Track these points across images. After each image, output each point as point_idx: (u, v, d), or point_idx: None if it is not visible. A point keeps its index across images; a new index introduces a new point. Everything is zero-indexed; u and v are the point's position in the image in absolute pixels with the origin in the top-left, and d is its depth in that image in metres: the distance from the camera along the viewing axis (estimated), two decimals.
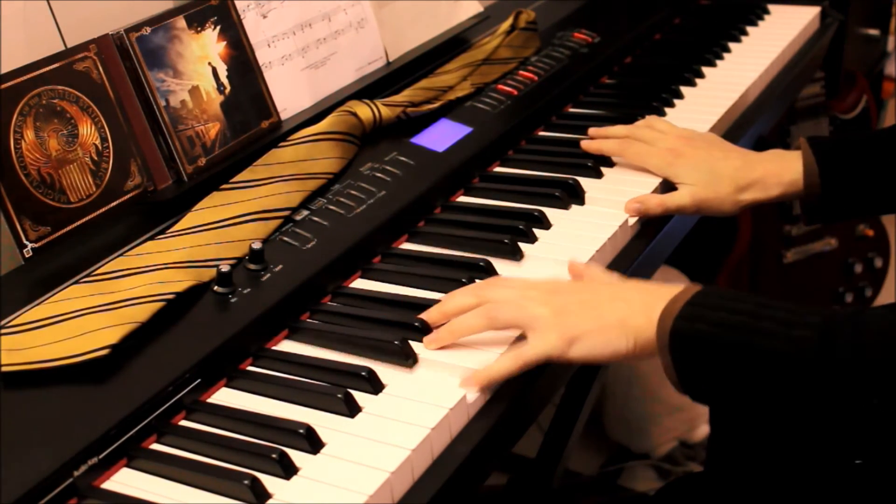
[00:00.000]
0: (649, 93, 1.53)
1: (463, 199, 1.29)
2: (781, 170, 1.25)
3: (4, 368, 0.90)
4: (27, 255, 1.02)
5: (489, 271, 1.10)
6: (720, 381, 0.91)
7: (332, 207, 1.16)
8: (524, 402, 0.97)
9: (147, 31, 1.16)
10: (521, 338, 0.99)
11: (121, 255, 1.06)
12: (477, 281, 1.05)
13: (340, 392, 0.91)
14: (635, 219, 1.22)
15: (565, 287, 1.01)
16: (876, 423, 0.86)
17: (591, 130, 1.36)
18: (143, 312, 0.95)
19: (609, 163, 1.33)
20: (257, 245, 1.05)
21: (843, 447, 1.03)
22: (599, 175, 1.31)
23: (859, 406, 0.85)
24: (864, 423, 0.87)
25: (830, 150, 1.24)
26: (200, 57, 1.20)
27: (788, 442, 1.09)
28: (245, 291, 1.02)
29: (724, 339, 0.89)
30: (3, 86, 1.03)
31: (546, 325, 0.95)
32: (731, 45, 1.72)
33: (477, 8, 1.62)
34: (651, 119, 1.37)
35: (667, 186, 1.28)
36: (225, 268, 1.02)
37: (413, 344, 0.99)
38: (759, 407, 0.92)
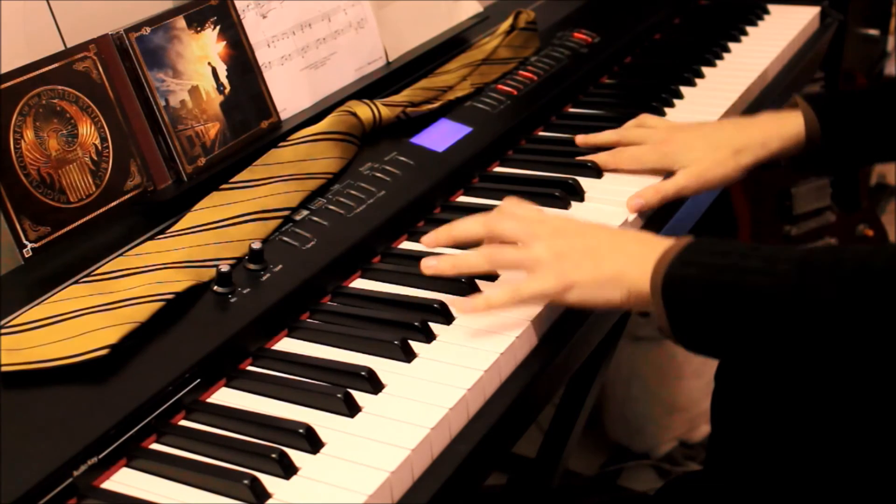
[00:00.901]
0: (649, 93, 1.53)
1: (463, 199, 1.29)
2: (780, 126, 1.27)
3: (4, 368, 0.90)
4: (27, 255, 1.02)
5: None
6: (710, 324, 0.93)
7: (331, 207, 1.16)
8: (524, 402, 0.97)
9: (147, 31, 1.16)
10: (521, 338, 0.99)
11: (120, 255, 1.06)
12: (479, 249, 1.05)
13: (340, 392, 0.92)
14: (634, 216, 1.22)
15: (570, 229, 1.03)
16: (852, 351, 0.87)
17: (578, 139, 1.36)
18: (142, 312, 0.95)
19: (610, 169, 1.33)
20: (257, 245, 1.05)
21: (828, 385, 1.05)
22: (599, 175, 1.31)
23: (836, 333, 0.87)
24: (842, 351, 0.88)
25: (828, 102, 1.27)
26: (200, 57, 1.20)
27: (801, 443, 1.09)
28: (245, 291, 1.02)
29: (713, 280, 0.92)
30: (3, 86, 1.03)
31: (545, 268, 1.00)
32: (731, 45, 1.72)
33: (477, 8, 1.62)
34: (641, 117, 1.38)
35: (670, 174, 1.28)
36: (225, 268, 1.02)
37: (413, 344, 0.99)
38: (747, 346, 0.94)
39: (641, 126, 1.34)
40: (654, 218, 1.25)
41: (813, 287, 0.88)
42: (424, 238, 1.08)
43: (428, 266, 1.04)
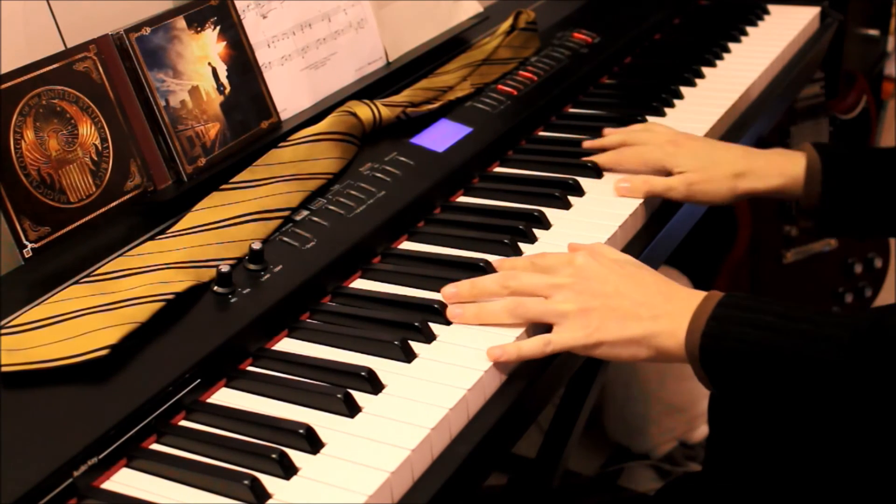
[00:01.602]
0: (649, 93, 1.53)
1: (463, 199, 1.29)
2: (784, 162, 1.26)
3: (4, 368, 0.90)
4: (27, 256, 1.02)
5: (489, 272, 1.10)
6: (753, 388, 0.96)
7: (332, 207, 1.16)
8: (524, 402, 0.97)
9: (147, 31, 1.16)
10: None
11: (121, 255, 1.06)
12: (503, 302, 1.03)
13: (340, 392, 0.92)
14: (632, 212, 1.21)
15: (591, 274, 1.02)
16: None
17: (586, 144, 1.36)
18: (143, 312, 0.95)
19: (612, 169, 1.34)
20: (257, 245, 1.05)
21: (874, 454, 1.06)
22: (599, 175, 1.31)
23: (889, 412, 0.89)
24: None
25: (835, 155, 1.24)
26: (200, 57, 1.20)
27: (800, 442, 1.10)
28: (245, 291, 1.02)
29: (752, 353, 0.93)
30: (3, 86, 1.03)
31: (572, 321, 1.00)
32: (731, 45, 1.72)
33: (477, 8, 1.62)
34: (650, 123, 1.38)
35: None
36: (225, 268, 1.02)
37: (413, 344, 0.99)
38: (792, 410, 0.99)
39: (647, 131, 1.34)
40: (655, 218, 1.25)
41: (858, 370, 0.89)
42: (444, 290, 1.05)
43: (454, 314, 1.03)
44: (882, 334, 0.89)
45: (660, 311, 0.99)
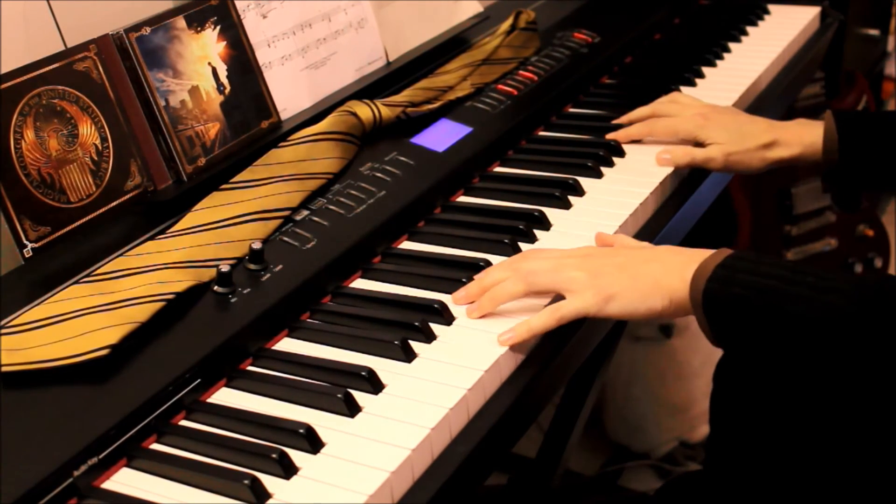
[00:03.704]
0: (649, 93, 1.53)
1: (463, 199, 1.29)
2: (803, 132, 1.33)
3: (4, 368, 0.90)
4: (27, 255, 1.02)
5: None
6: (752, 339, 0.96)
7: (332, 207, 1.16)
8: (524, 401, 0.97)
9: (147, 31, 1.16)
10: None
11: (121, 255, 1.06)
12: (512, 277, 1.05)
13: (340, 392, 0.92)
14: (632, 213, 1.21)
15: (599, 252, 1.06)
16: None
17: (616, 121, 1.41)
18: (143, 312, 0.95)
19: (609, 163, 1.34)
20: (257, 245, 1.05)
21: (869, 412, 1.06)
22: (599, 175, 1.31)
23: (889, 372, 0.89)
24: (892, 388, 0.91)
25: (852, 120, 1.31)
26: (200, 57, 1.20)
27: (800, 442, 1.10)
28: (245, 291, 1.02)
29: (756, 302, 0.94)
30: (3, 86, 1.03)
31: (583, 286, 1.00)
32: (732, 45, 1.72)
33: (477, 8, 1.62)
34: (673, 94, 1.43)
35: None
36: (225, 268, 1.02)
37: (413, 344, 0.99)
38: (790, 365, 0.98)
39: (674, 102, 1.39)
40: (656, 218, 1.25)
41: (862, 325, 0.90)
42: (455, 296, 1.05)
43: (471, 310, 1.03)
44: (888, 290, 0.90)
45: (669, 261, 1.01)
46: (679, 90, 1.54)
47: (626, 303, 1.00)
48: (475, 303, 1.04)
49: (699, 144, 1.33)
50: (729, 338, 0.98)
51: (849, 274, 0.95)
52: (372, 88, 1.39)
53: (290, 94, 1.31)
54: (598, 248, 1.08)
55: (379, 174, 1.22)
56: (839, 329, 0.91)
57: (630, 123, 1.39)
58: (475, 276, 1.07)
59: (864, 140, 1.30)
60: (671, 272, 1.00)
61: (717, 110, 1.37)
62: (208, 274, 1.03)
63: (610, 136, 1.38)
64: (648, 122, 1.38)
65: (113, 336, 0.92)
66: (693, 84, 1.58)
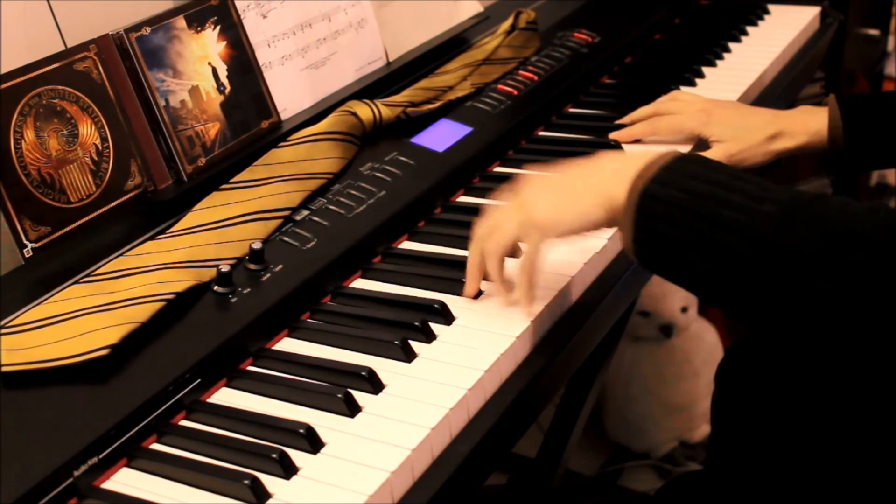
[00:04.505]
0: (649, 93, 1.53)
1: (463, 199, 1.29)
2: (807, 120, 1.31)
3: (4, 368, 0.90)
4: (27, 255, 1.02)
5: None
6: (677, 250, 0.90)
7: (332, 207, 1.16)
8: (524, 401, 0.97)
9: (147, 31, 1.16)
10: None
11: (121, 255, 1.06)
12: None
13: (340, 392, 0.91)
14: None
15: (533, 182, 1.04)
16: (823, 311, 0.84)
17: (619, 121, 1.40)
18: (143, 312, 0.95)
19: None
20: (257, 245, 1.05)
21: (787, 333, 1.04)
22: None
23: (809, 288, 0.84)
24: (812, 309, 0.85)
25: (855, 104, 1.30)
26: (200, 57, 1.20)
27: (800, 443, 1.09)
28: (245, 291, 1.02)
29: (692, 205, 0.89)
30: (3, 86, 1.03)
31: (511, 212, 1.01)
32: (732, 45, 1.72)
33: (477, 8, 1.62)
34: (674, 93, 1.42)
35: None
36: (225, 268, 1.02)
37: (413, 344, 0.99)
38: (711, 280, 0.90)
39: (675, 100, 1.39)
40: None
41: (793, 238, 0.84)
42: (466, 292, 1.07)
43: (468, 292, 1.06)
44: (819, 203, 0.86)
45: (610, 168, 0.97)
46: (679, 90, 1.54)
47: (561, 213, 0.98)
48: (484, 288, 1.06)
49: (703, 141, 1.33)
50: (653, 246, 0.92)
51: (787, 186, 0.89)
52: (372, 88, 1.39)
53: (290, 94, 1.31)
54: (535, 179, 1.05)
55: (379, 174, 1.22)
56: (768, 238, 0.85)
57: (632, 123, 1.39)
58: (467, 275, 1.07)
59: (868, 124, 1.29)
60: (610, 179, 0.95)
61: (719, 105, 1.36)
62: (208, 274, 1.03)
63: (613, 135, 1.38)
64: (651, 120, 1.37)
65: (113, 336, 0.92)
66: (693, 84, 1.58)
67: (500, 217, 1.03)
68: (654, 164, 0.93)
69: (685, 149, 1.30)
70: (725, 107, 1.36)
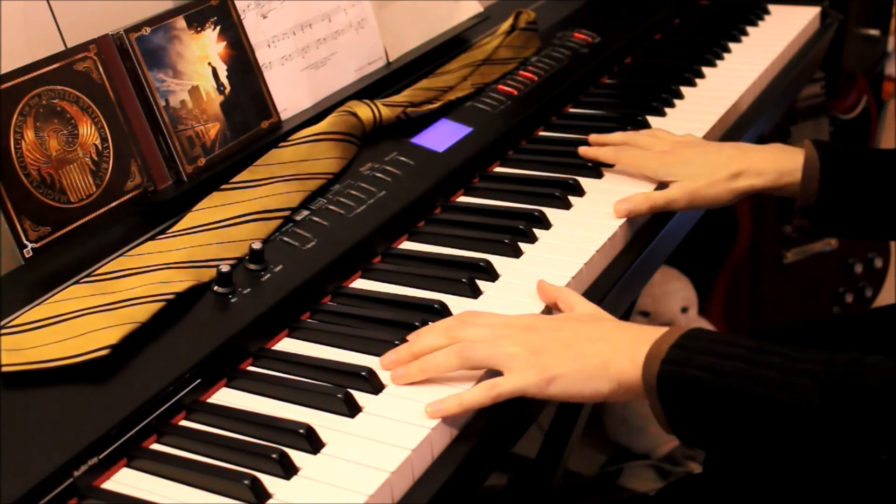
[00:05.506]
0: (649, 93, 1.53)
1: (463, 199, 1.29)
2: (780, 157, 1.24)
3: (4, 368, 0.90)
4: (27, 255, 1.02)
5: (489, 271, 1.10)
6: (714, 427, 0.89)
7: (332, 207, 1.16)
8: (524, 402, 0.97)
9: (147, 31, 1.16)
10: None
11: (121, 255, 1.06)
12: (448, 348, 0.95)
13: (340, 392, 0.92)
14: (623, 222, 1.20)
15: (542, 325, 0.97)
16: (884, 475, 0.86)
17: (592, 137, 1.36)
18: (143, 312, 0.95)
19: (609, 164, 1.33)
20: (257, 245, 1.05)
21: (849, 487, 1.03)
22: (600, 175, 1.31)
23: (865, 459, 0.85)
24: (871, 474, 0.87)
25: (834, 155, 1.22)
26: (200, 57, 1.20)
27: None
28: (245, 291, 1.02)
29: (717, 384, 0.86)
30: (3, 86, 1.03)
31: (522, 364, 0.92)
32: (732, 45, 1.72)
33: (477, 8, 1.62)
34: (655, 129, 1.38)
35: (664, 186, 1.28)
36: (225, 268, 1.02)
37: None
38: (756, 453, 0.91)
39: (651, 136, 1.34)
40: (656, 218, 1.25)
41: (837, 411, 0.83)
42: (384, 360, 0.96)
43: (397, 376, 0.94)
44: (856, 371, 0.84)
45: (618, 341, 0.93)
46: (679, 91, 1.54)
47: (570, 384, 0.91)
48: (403, 368, 0.95)
49: (663, 184, 1.26)
50: (686, 424, 0.90)
51: (815, 353, 0.88)
52: (372, 88, 1.39)
53: (291, 94, 1.31)
54: (542, 319, 0.98)
55: (379, 174, 1.22)
56: (811, 413, 0.84)
57: (603, 145, 1.34)
58: (408, 337, 0.98)
59: (848, 184, 1.20)
60: (620, 353, 0.91)
61: (683, 144, 1.30)
62: (208, 274, 1.03)
63: (580, 149, 1.33)
64: (618, 148, 1.32)
65: (113, 336, 0.92)
66: (693, 84, 1.58)
67: (507, 356, 0.93)
68: (663, 342, 0.90)
69: (649, 187, 1.25)
70: (689, 145, 1.30)
